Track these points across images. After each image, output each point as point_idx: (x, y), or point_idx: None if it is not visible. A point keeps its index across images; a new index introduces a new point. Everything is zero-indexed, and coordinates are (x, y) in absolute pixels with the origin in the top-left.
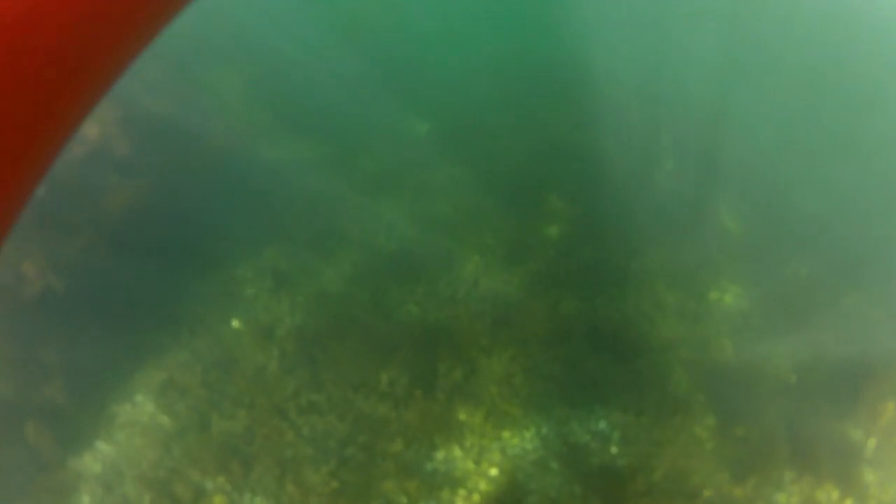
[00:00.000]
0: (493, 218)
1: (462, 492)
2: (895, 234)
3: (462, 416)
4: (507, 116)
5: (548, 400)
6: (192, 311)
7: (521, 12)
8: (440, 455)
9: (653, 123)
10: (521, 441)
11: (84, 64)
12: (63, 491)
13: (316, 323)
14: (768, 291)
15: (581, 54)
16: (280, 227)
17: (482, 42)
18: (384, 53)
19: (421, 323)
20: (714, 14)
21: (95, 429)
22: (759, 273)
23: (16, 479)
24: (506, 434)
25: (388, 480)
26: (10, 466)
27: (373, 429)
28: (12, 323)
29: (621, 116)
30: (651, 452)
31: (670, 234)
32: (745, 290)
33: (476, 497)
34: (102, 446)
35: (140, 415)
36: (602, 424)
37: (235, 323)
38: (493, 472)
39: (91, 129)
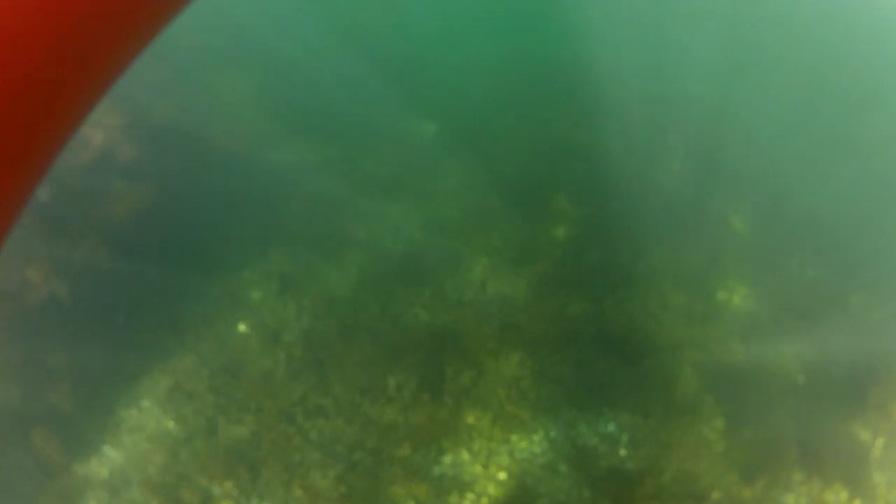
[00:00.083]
0: (500, 219)
1: (470, 496)
2: None
3: (470, 420)
4: (512, 117)
5: (556, 403)
6: (199, 315)
7: (524, 12)
8: (448, 459)
9: (658, 123)
10: (530, 444)
11: (84, 63)
12: (69, 496)
13: (323, 327)
14: (776, 291)
15: (585, 54)
16: (286, 231)
17: (485, 42)
18: (387, 54)
19: (428, 326)
20: (717, 13)
21: (102, 434)
22: (767, 273)
23: (22, 485)
24: (514, 437)
25: (396, 485)
26: (16, 472)
27: (380, 433)
28: (17, 329)
29: (626, 116)
30: (660, 454)
31: (677, 234)
32: (752, 291)
33: (485, 501)
34: (109, 451)
35: (147, 420)
36: (611, 427)
37: (242, 327)
38: (502, 475)
39: (95, 135)
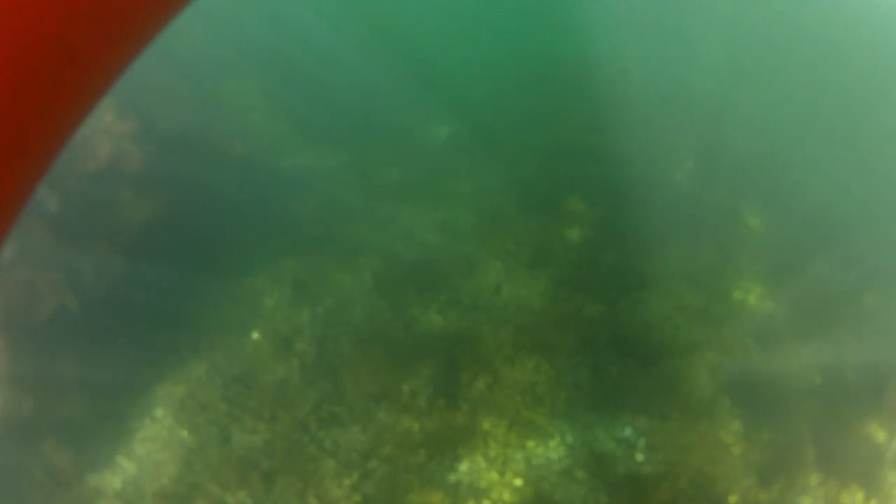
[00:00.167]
0: (514, 223)
1: (486, 503)
2: None
3: (486, 426)
4: (524, 119)
5: (572, 407)
6: (211, 323)
7: (535, 14)
8: (464, 466)
9: (671, 123)
10: (546, 450)
11: (84, 63)
12: None
13: (336, 334)
14: (791, 291)
15: (596, 55)
16: (298, 237)
17: (496, 45)
18: (399, 58)
19: (443, 332)
20: (724, 14)
21: (115, 444)
22: (782, 272)
23: (35, 496)
24: (530, 443)
25: (412, 493)
26: (29, 483)
27: (395, 440)
28: (28, 339)
29: (639, 117)
30: (677, 459)
31: (692, 233)
32: (768, 290)
33: None
34: (122, 461)
35: (160, 429)
36: (627, 431)
37: (255, 335)
38: (518, 482)
39: (105, 144)
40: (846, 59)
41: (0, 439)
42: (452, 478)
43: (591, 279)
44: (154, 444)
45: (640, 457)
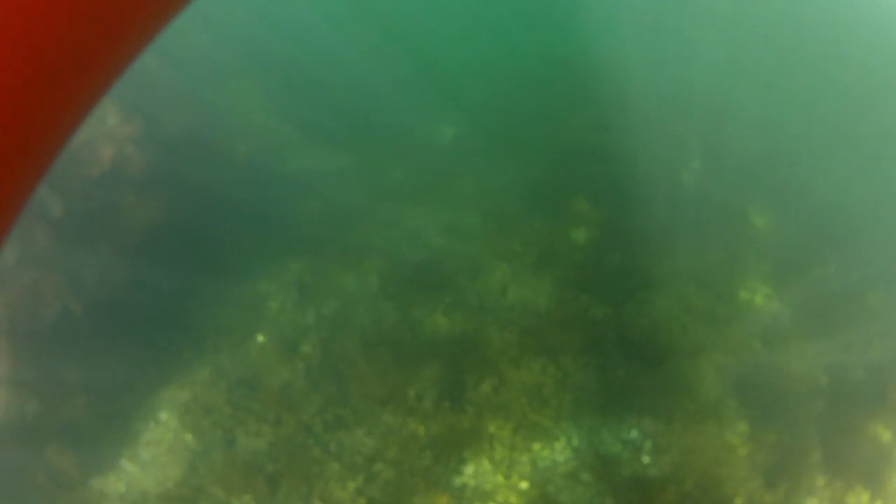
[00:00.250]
0: (520, 223)
1: None
2: None
3: (491, 429)
4: (529, 119)
5: (578, 410)
6: (216, 326)
7: (539, 14)
8: (469, 469)
9: (676, 122)
10: (552, 453)
11: (84, 63)
12: None
13: (341, 336)
14: (798, 290)
15: (602, 55)
16: (303, 239)
17: (500, 45)
18: (403, 59)
19: (448, 334)
20: (730, 12)
21: (119, 447)
22: (789, 271)
23: (39, 500)
24: (536, 446)
25: (417, 496)
26: (33, 486)
27: (400, 443)
28: (32, 343)
29: (644, 116)
30: (682, 461)
31: (698, 233)
32: (774, 290)
33: None
34: (126, 465)
35: (164, 433)
36: (633, 433)
37: (260, 338)
38: (524, 485)
39: (107, 148)
40: (850, 59)
41: (4, 443)
42: (458, 481)
43: (597, 280)
44: (158, 447)
45: (646, 459)
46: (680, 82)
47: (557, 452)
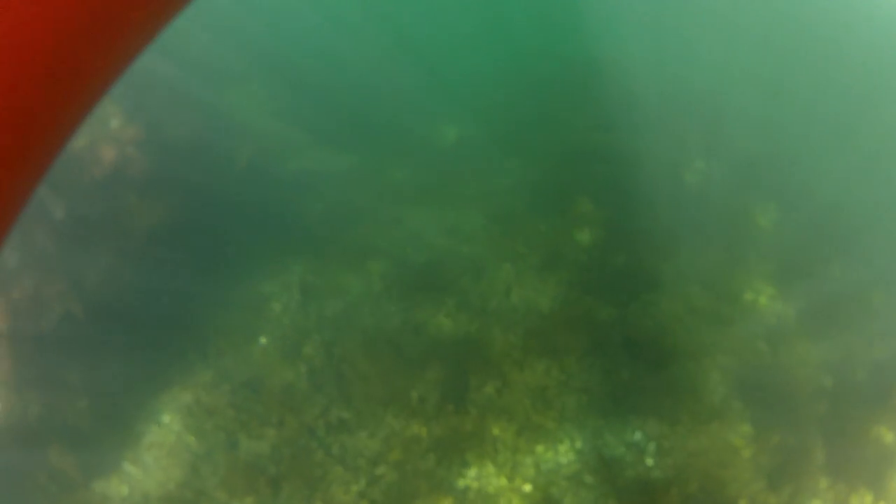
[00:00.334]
0: (524, 224)
1: None
2: None
3: (495, 431)
4: (532, 119)
5: (582, 412)
6: (219, 328)
7: (542, 15)
8: (472, 472)
9: (680, 122)
10: (555, 455)
11: (84, 63)
12: None
13: (345, 338)
14: (802, 291)
15: (603, 55)
16: (307, 241)
17: (502, 46)
18: (406, 61)
19: (452, 336)
20: (733, 13)
21: (121, 450)
22: (793, 272)
23: (41, 502)
24: (539, 448)
25: (420, 499)
26: (35, 489)
27: (403, 446)
28: (34, 346)
29: (647, 116)
30: (686, 463)
31: (702, 234)
32: (779, 291)
33: None
34: (129, 467)
35: (167, 435)
36: (637, 435)
37: (263, 339)
38: (527, 487)
39: (109, 151)
40: (851, 59)
41: (6, 445)
42: (461, 483)
43: (601, 281)
44: (161, 450)
45: (649, 461)
46: (683, 82)
47: (561, 455)
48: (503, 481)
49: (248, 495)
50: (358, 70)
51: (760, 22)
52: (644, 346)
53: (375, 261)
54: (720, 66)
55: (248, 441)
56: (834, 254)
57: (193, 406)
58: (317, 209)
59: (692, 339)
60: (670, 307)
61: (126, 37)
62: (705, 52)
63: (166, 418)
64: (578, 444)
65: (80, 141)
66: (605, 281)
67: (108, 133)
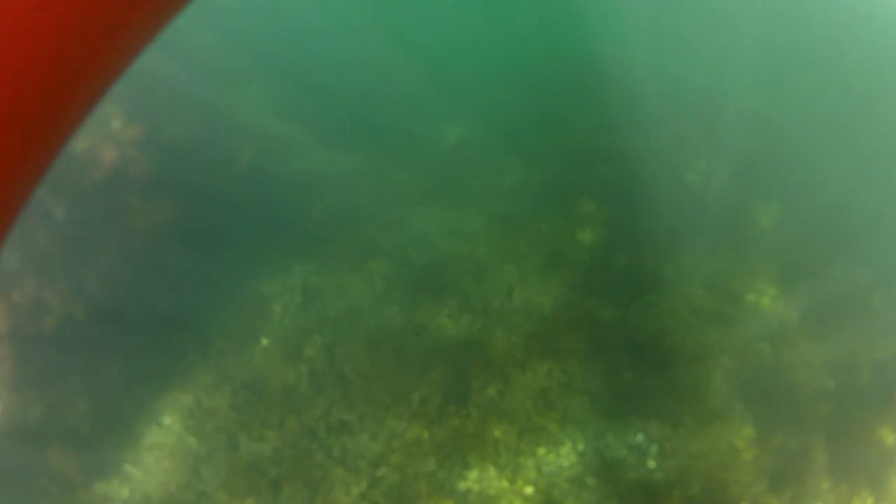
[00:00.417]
0: (526, 225)
1: None
2: None
3: (496, 433)
4: (535, 120)
5: (584, 413)
6: (220, 330)
7: (545, 15)
8: (474, 474)
9: (683, 122)
10: (557, 457)
11: (84, 63)
12: None
13: (346, 340)
14: (804, 291)
15: (606, 55)
16: (308, 242)
17: (507, 46)
18: (409, 61)
19: (453, 337)
20: (735, 14)
21: (122, 452)
22: (795, 272)
23: None
24: (541, 451)
25: (421, 501)
26: (36, 490)
27: (405, 448)
28: (35, 348)
29: (650, 116)
30: (688, 465)
31: (704, 234)
32: (781, 292)
33: None
34: (129, 469)
35: (168, 437)
36: (639, 437)
37: (264, 341)
38: (529, 490)
39: (110, 152)
40: (853, 59)
41: (7, 447)
42: (462, 486)
43: (603, 282)
44: (161, 451)
45: (651, 463)
46: (685, 83)
47: (562, 457)
48: (504, 483)
49: (249, 497)
50: (360, 70)
51: (762, 22)
52: (646, 347)
53: (377, 261)
54: (722, 66)
55: (249, 443)
56: (836, 254)
57: (194, 407)
58: (318, 210)
59: (694, 340)
60: (672, 308)
61: (126, 37)
62: (707, 53)
63: (167, 419)
64: (580, 447)
65: (81, 142)
66: (607, 282)
67: (108, 134)
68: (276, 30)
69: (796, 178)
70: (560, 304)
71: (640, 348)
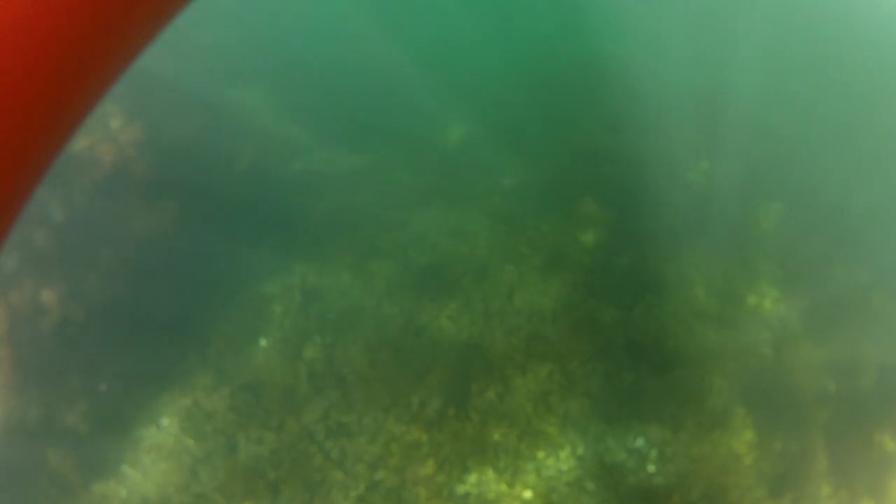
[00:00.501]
0: (527, 225)
1: None
2: None
3: (496, 437)
4: (537, 120)
5: (584, 417)
6: (220, 330)
7: (547, 15)
8: (473, 478)
9: (685, 123)
10: (557, 461)
11: (84, 63)
12: None
13: (346, 341)
14: (807, 294)
15: (609, 55)
16: (309, 242)
17: (509, 46)
18: (411, 60)
19: (454, 339)
20: (736, 15)
21: (120, 453)
22: (797, 274)
23: None
24: (540, 454)
25: None
26: (35, 491)
27: (404, 451)
28: (33, 350)
29: (653, 117)
30: (689, 470)
31: (706, 235)
32: (783, 294)
33: None
34: (127, 470)
35: (166, 438)
36: (639, 441)
37: (263, 342)
38: (528, 494)
39: (110, 152)
40: (856, 61)
41: (6, 448)
42: (461, 489)
43: (605, 283)
44: (159, 453)
45: (651, 468)
46: (687, 83)
47: (562, 461)
48: (503, 487)
49: (247, 499)
50: (361, 70)
51: (763, 23)
52: (647, 349)
53: (378, 262)
54: (723, 67)
55: (248, 444)
56: (838, 255)
57: (193, 409)
58: (319, 210)
59: (696, 342)
60: (674, 310)
61: (126, 37)
62: (708, 54)
63: (165, 421)
64: (580, 450)
65: (80, 142)
66: (608, 283)
67: (108, 134)
68: (276, 29)
69: (798, 179)
70: (561, 306)
71: (641, 350)
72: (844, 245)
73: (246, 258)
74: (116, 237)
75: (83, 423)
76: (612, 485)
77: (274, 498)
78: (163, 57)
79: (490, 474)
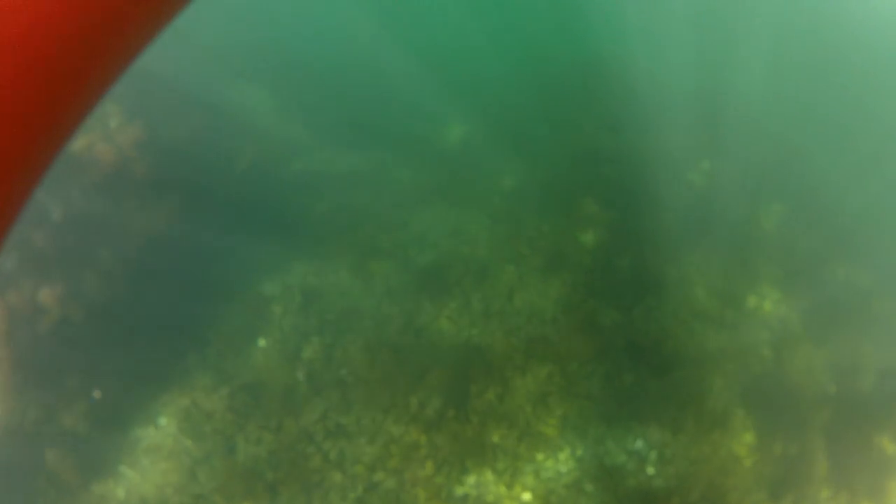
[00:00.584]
0: (528, 226)
1: None
2: None
3: (495, 438)
4: (538, 121)
5: (584, 418)
6: (219, 330)
7: (549, 16)
8: (471, 479)
9: (686, 123)
10: (556, 463)
11: (84, 62)
12: None
13: (345, 342)
14: (807, 295)
15: (609, 55)
16: (309, 242)
17: (510, 47)
18: (412, 61)
19: (453, 340)
20: (738, 14)
21: (119, 453)
22: (797, 275)
23: None
24: (540, 456)
25: None
26: (33, 491)
27: (402, 453)
28: (32, 351)
29: (654, 117)
30: (688, 472)
31: (707, 236)
32: (783, 295)
33: None
34: (126, 471)
35: (164, 439)
36: (639, 443)
37: (262, 342)
38: (526, 496)
39: (109, 153)
40: (855, 62)
41: (4, 448)
42: (460, 491)
43: (605, 284)
44: (158, 453)
45: (650, 470)
46: (688, 84)
47: (561, 463)
48: (502, 489)
49: (246, 500)
50: (362, 70)
51: (764, 24)
52: (647, 350)
53: (378, 262)
54: (724, 67)
55: (246, 445)
56: (838, 257)
57: (191, 409)
58: (319, 210)
59: (696, 343)
60: (674, 311)
61: (126, 37)
62: (709, 54)
63: (164, 421)
64: (579, 452)
65: (79, 142)
66: (608, 284)
67: (107, 134)
68: (276, 29)
69: (799, 180)
70: (561, 307)
71: (641, 352)
72: (845, 246)
73: (246, 258)
74: (115, 237)
75: (82, 423)
76: (612, 487)
77: (272, 499)
78: (163, 57)
79: (489, 476)
